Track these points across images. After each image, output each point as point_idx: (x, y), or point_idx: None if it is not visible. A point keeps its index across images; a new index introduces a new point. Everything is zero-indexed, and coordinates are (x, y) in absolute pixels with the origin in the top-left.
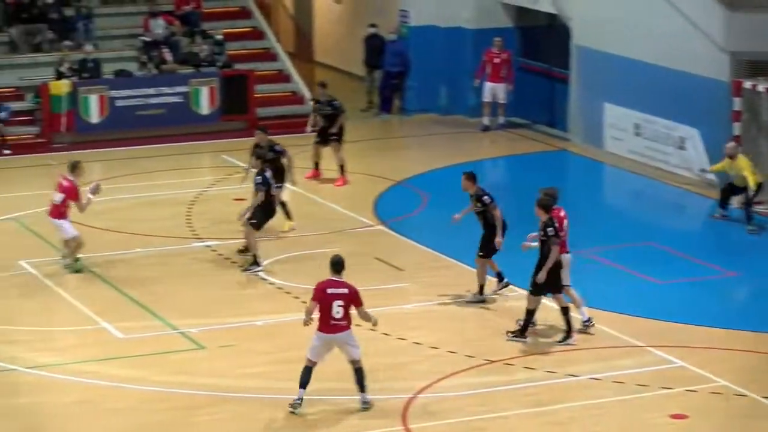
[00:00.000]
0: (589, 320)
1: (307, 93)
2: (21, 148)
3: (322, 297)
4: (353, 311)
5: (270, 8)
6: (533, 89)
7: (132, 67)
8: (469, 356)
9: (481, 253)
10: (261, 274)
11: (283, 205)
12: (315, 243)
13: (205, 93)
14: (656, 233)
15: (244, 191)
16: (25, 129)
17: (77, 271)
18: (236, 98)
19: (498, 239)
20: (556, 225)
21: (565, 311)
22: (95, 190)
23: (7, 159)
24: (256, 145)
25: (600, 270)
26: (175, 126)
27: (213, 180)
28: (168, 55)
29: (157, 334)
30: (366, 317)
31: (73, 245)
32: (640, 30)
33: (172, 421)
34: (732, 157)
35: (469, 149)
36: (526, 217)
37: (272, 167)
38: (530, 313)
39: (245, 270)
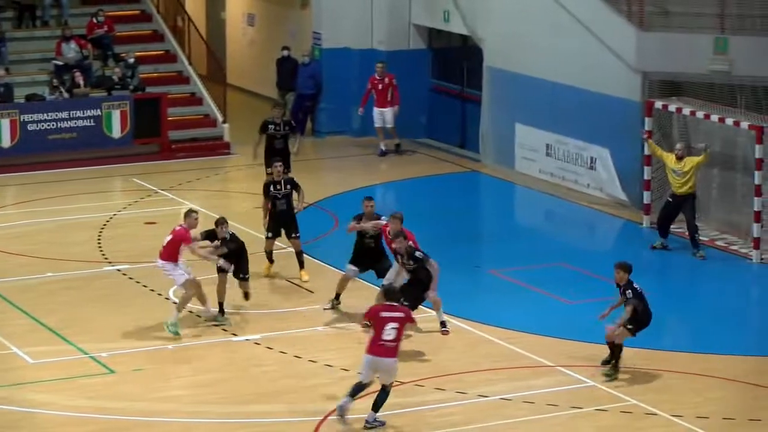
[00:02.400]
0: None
1: (219, 116)
2: None
3: (375, 319)
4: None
5: (182, 31)
6: (446, 111)
7: (44, 91)
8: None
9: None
10: (172, 297)
11: (299, 254)
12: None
13: (117, 116)
14: (567, 253)
15: (155, 215)
16: None
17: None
18: (149, 121)
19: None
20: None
21: None
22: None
23: None
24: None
25: (511, 290)
26: (87, 150)
27: (124, 203)
28: (80, 79)
29: (68, 359)
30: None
31: (180, 294)
32: (552, 51)
33: None
34: (681, 158)
35: (381, 171)
36: (436, 239)
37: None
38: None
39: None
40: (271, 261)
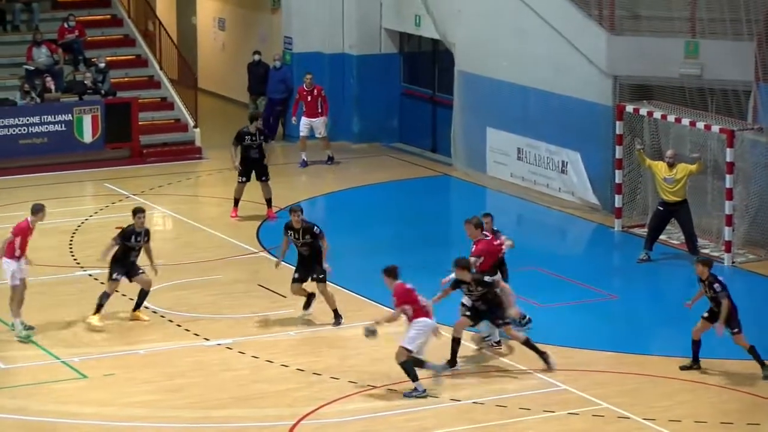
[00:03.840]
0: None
1: (190, 120)
2: None
3: (406, 296)
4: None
5: (153, 36)
6: (417, 115)
7: (15, 96)
8: (352, 382)
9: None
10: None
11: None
12: (198, 271)
13: (88, 121)
14: (539, 257)
15: (127, 219)
16: None
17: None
18: (120, 126)
19: None
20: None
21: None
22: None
23: None
24: None
25: None
26: (59, 154)
27: (96, 208)
28: (51, 84)
29: (39, 364)
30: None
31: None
32: (523, 55)
33: None
34: (672, 165)
35: (352, 175)
36: (408, 243)
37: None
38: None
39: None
40: None
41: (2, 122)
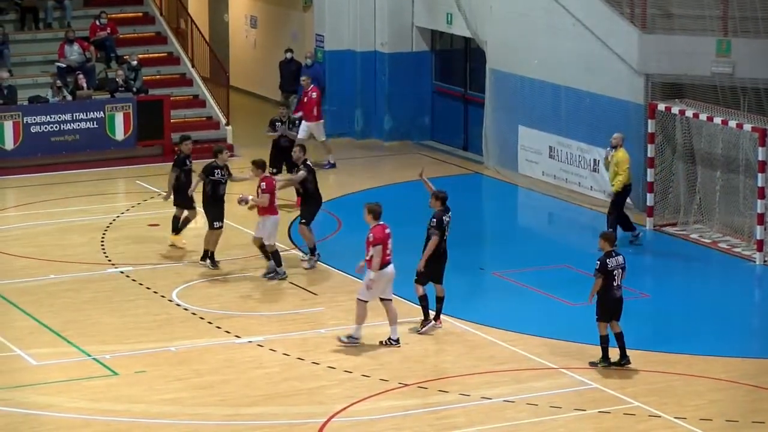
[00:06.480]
0: (397, 340)
1: (222, 118)
2: None
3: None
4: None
5: (185, 34)
6: (449, 113)
7: (48, 93)
8: (384, 380)
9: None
10: (175, 299)
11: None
12: (230, 268)
13: (120, 119)
14: (570, 255)
15: (158, 217)
16: None
17: None
18: (152, 123)
19: None
20: (442, 218)
21: (423, 299)
22: None
23: None
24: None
25: (515, 292)
26: (90, 152)
27: (128, 205)
28: (83, 81)
29: (71, 361)
30: None
31: None
32: (554, 53)
33: None
34: (615, 147)
35: (384, 173)
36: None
37: None
38: (422, 299)
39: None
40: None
41: (34, 119)
